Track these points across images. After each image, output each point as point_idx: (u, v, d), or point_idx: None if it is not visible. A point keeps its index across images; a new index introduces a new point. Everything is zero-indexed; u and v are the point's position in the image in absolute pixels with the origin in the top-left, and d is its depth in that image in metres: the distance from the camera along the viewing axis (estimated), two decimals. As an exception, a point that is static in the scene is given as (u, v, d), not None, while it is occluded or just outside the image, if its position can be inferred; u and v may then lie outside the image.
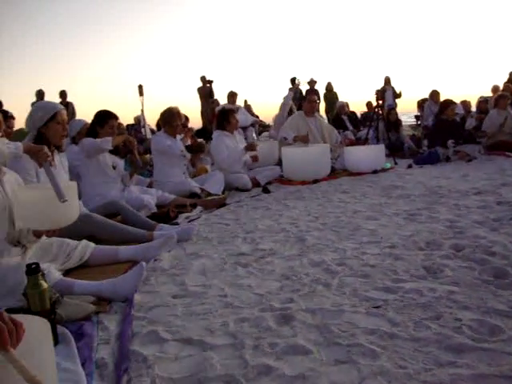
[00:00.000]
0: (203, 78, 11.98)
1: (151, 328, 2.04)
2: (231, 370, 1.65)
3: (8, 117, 4.97)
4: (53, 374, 1.25)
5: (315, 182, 5.89)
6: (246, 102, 11.34)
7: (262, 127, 11.70)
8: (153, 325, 2.08)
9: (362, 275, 2.49)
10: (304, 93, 12.45)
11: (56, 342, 1.85)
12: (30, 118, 3.35)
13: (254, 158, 6.07)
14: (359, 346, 1.74)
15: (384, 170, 6.54)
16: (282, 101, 8.30)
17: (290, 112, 8.09)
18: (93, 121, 4.32)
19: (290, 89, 12.32)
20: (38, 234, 2.63)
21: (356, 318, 1.99)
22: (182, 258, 3.06)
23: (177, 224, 3.97)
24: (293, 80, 12.49)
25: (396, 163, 7.11)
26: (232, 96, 10.49)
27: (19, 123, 5.73)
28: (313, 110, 6.97)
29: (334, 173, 6.39)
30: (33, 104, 9.65)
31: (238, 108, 10.26)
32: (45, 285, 1.89)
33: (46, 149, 2.49)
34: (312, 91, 11.94)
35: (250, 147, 5.93)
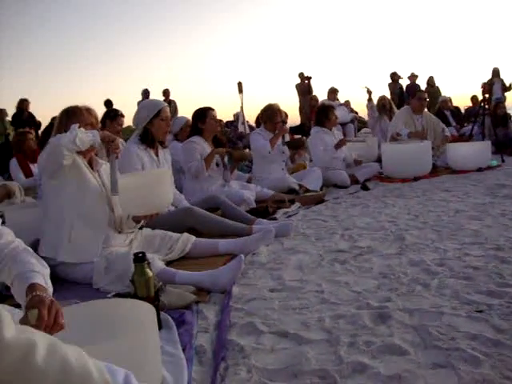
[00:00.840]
0: (301, 75, 11.97)
1: (248, 320, 2.09)
2: (326, 366, 1.65)
3: (118, 115, 5.26)
4: (157, 355, 1.33)
5: (416, 179, 5.71)
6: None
7: (361, 123, 11.48)
8: (250, 317, 2.13)
9: (463, 277, 2.39)
10: (404, 88, 12.09)
11: (160, 326, 1.95)
12: (137, 116, 3.58)
13: (358, 162, 6.04)
14: (460, 351, 1.67)
15: (490, 167, 6.20)
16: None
17: (391, 109, 7.90)
18: (193, 120, 4.48)
19: (389, 84, 12.03)
20: (137, 220, 2.84)
21: (456, 321, 1.92)
22: (279, 252, 3.10)
23: (275, 219, 4.02)
24: (393, 75, 12.16)
25: (503, 161, 6.71)
26: (333, 92, 10.39)
27: (127, 121, 6.06)
28: (422, 108, 6.63)
29: (436, 170, 6.16)
30: (139, 103, 10.16)
31: (340, 104, 10.16)
32: (150, 273, 2.00)
33: (117, 141, 2.67)
34: (413, 86, 11.57)
35: (339, 144, 5.87)
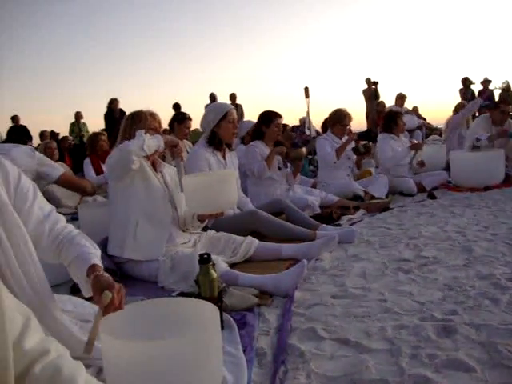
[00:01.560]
0: (368, 80, 11.83)
1: (309, 325, 2.10)
2: (386, 376, 1.63)
3: (186, 118, 5.40)
4: (219, 354, 1.36)
5: (486, 189, 5.49)
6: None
7: (429, 130, 11.16)
8: (311, 322, 2.13)
9: (537, 294, 2.29)
10: (476, 93, 11.68)
11: (222, 327, 1.98)
12: (204, 119, 3.66)
13: (421, 164, 5.87)
14: (531, 372, 1.60)
15: None
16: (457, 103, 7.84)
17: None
18: (258, 121, 4.52)
19: (460, 89, 11.61)
20: (201, 219, 2.92)
21: (529, 340, 1.83)
22: (342, 259, 3.09)
23: (339, 225, 3.99)
24: (464, 80, 11.78)
25: None
26: (401, 98, 10.18)
27: (194, 124, 6.22)
28: (503, 121, 6.28)
29: (509, 180, 5.90)
30: (206, 106, 10.37)
31: (407, 111, 9.95)
32: (214, 274, 2.04)
33: (180, 144, 2.80)
34: (486, 92, 11.14)
35: (416, 146, 5.71)
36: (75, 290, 2.74)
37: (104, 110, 10.57)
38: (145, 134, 2.66)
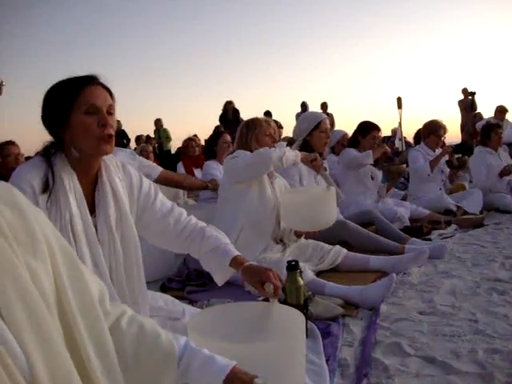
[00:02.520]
0: (465, 90, 11.37)
1: (395, 340, 2.06)
2: (476, 401, 1.57)
3: (278, 126, 5.47)
4: (303, 362, 1.37)
5: None
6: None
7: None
8: (396, 337, 2.09)
9: None
10: None
11: (306, 335, 1.99)
12: (298, 128, 3.70)
13: None
14: None
15: None
16: None
17: None
18: (356, 130, 4.51)
19: None
20: (298, 234, 2.94)
21: None
22: (432, 275, 2.99)
23: (429, 240, 3.89)
24: None
25: None
26: (501, 112, 9.62)
27: (285, 132, 6.29)
28: None
29: None
30: (298, 115, 10.43)
31: (505, 123, 9.45)
32: (301, 281, 2.05)
33: (318, 158, 2.79)
34: None
35: (505, 172, 5.39)
36: (165, 288, 2.85)
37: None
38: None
